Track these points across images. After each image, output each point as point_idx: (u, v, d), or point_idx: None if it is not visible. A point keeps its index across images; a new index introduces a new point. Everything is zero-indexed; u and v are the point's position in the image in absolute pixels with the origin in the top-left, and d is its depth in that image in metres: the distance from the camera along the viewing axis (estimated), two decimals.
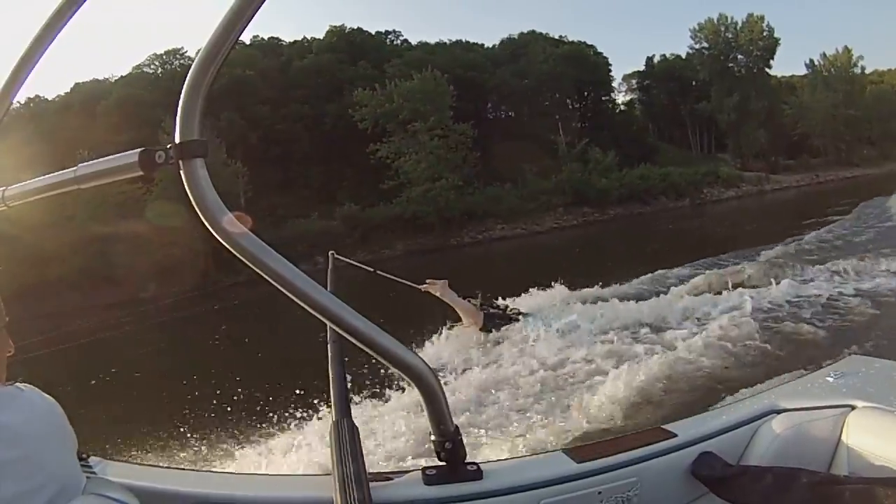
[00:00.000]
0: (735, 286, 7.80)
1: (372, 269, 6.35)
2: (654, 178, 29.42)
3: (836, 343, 5.42)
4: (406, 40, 39.34)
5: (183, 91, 0.86)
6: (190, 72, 0.87)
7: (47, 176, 1.02)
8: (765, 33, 36.82)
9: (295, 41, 37.76)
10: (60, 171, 0.98)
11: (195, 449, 4.48)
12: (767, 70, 38.19)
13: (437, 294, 6.48)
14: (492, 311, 6.64)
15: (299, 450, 4.01)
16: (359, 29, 38.16)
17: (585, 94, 38.26)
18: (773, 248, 10.63)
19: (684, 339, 5.72)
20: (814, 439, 1.38)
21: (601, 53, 38.33)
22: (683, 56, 40.28)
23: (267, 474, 3.07)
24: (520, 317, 6.62)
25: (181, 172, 0.87)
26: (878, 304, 6.54)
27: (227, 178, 25.45)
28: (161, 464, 4.14)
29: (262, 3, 0.84)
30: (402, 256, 23.59)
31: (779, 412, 1.47)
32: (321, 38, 37.54)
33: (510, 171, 28.53)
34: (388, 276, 6.55)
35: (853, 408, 1.40)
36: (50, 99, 33.86)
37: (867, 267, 8.03)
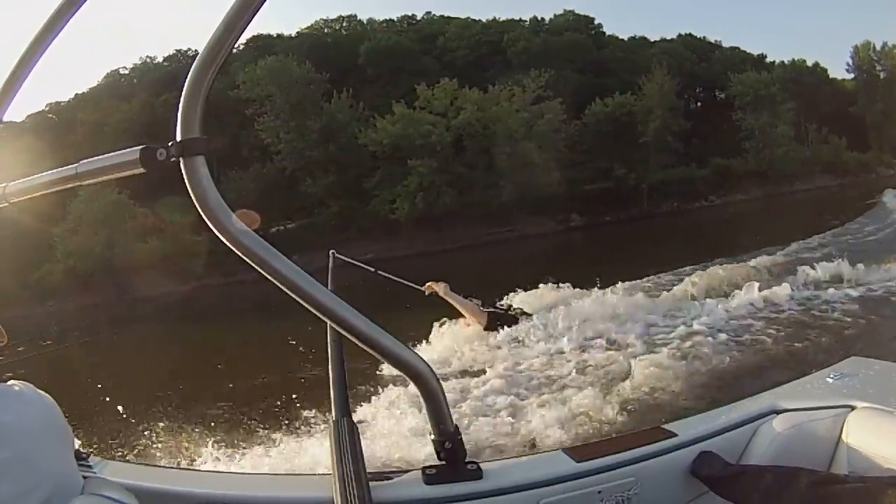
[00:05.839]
0: (737, 285, 7.80)
1: (373, 269, 6.33)
2: (851, 160, 39.81)
3: (836, 343, 5.41)
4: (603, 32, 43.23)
5: (184, 89, 0.87)
6: (191, 70, 0.87)
7: (49, 172, 1.02)
8: None
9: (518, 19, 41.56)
10: (62, 168, 0.98)
11: (195, 448, 4.47)
12: None
13: (441, 294, 6.47)
14: (495, 310, 6.62)
15: (299, 449, 4.00)
16: (587, 16, 42.41)
17: None
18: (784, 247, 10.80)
19: (685, 338, 5.71)
20: (814, 439, 1.38)
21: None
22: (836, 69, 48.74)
23: (267, 474, 3.06)
24: (523, 317, 6.59)
25: (182, 170, 0.87)
26: (879, 306, 6.54)
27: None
28: (161, 464, 4.14)
29: (263, 3, 0.85)
30: (758, 199, 31.90)
31: (779, 412, 1.47)
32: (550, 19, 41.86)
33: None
34: (389, 276, 6.53)
35: (853, 408, 1.40)
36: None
37: (869, 268, 8.01)
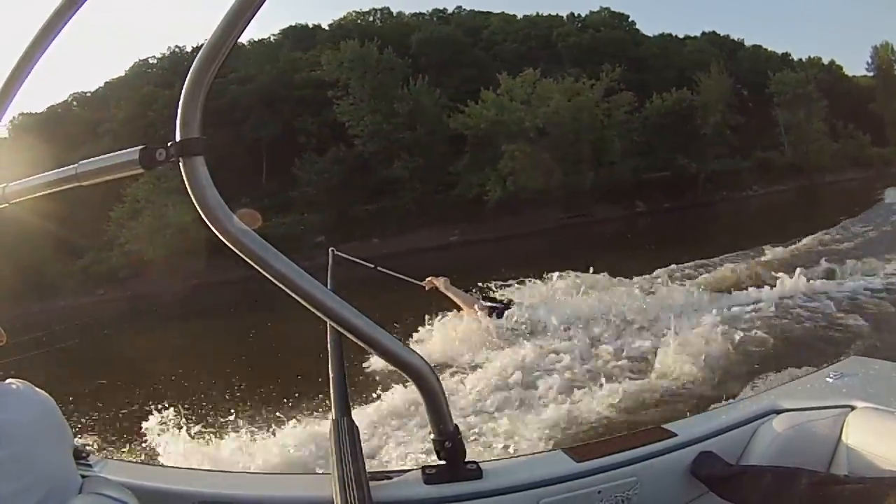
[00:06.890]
0: (737, 285, 7.79)
1: (373, 266, 6.38)
2: (875, 154, 42.57)
3: (836, 343, 5.41)
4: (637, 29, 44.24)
5: (184, 89, 0.87)
6: (190, 70, 0.87)
7: (48, 173, 1.02)
8: None
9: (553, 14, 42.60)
10: (61, 168, 0.99)
11: (194, 447, 4.46)
12: None
13: (441, 289, 6.53)
14: (494, 305, 6.69)
15: (299, 449, 4.00)
16: (621, 13, 43.34)
17: None
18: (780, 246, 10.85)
19: (685, 337, 5.70)
20: (814, 439, 1.38)
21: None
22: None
23: (267, 473, 3.06)
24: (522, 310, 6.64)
25: (181, 170, 0.88)
26: (879, 304, 6.53)
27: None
28: (161, 463, 4.14)
29: (263, 2, 0.85)
30: (793, 190, 34.34)
31: (779, 412, 1.47)
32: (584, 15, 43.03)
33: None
34: (389, 272, 6.57)
35: (853, 408, 1.40)
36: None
37: (869, 266, 8.01)
